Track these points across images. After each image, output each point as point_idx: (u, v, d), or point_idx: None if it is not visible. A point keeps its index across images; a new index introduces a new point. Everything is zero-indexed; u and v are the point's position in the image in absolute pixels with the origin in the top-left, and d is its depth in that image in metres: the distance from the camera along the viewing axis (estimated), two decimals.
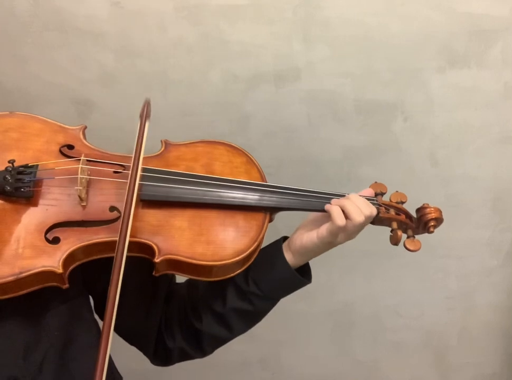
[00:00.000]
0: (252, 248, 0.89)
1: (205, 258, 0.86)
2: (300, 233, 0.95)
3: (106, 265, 0.81)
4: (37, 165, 0.85)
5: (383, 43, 1.36)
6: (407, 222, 0.97)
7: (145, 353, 1.06)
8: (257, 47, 1.36)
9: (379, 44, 1.36)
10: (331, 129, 1.48)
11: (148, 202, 0.88)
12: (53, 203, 0.84)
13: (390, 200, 0.98)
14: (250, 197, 0.92)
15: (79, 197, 0.84)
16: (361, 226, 0.90)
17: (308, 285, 0.97)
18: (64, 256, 0.80)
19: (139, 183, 0.84)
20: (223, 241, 0.88)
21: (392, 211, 0.96)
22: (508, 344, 1.89)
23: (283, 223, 1.06)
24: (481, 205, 1.62)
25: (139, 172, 0.83)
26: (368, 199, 0.94)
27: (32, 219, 0.82)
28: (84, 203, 0.85)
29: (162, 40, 1.34)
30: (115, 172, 0.89)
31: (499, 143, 1.51)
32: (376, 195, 0.98)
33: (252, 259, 0.92)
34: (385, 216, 0.95)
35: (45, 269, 0.79)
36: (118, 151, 0.94)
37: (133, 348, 1.06)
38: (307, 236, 0.93)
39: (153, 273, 0.87)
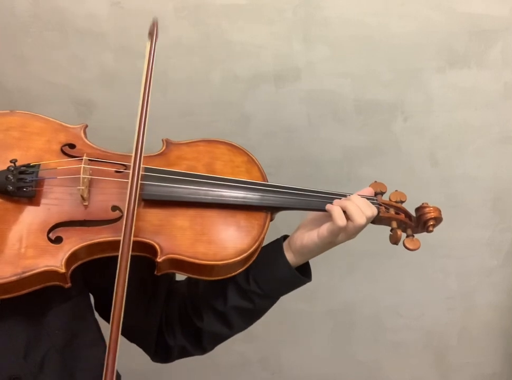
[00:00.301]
0: (254, 247, 0.89)
1: (206, 257, 0.86)
2: (300, 233, 0.95)
3: (107, 262, 0.82)
4: (39, 164, 0.85)
5: (383, 43, 1.36)
6: (407, 222, 0.97)
7: (145, 351, 1.06)
8: (257, 47, 1.36)
9: (379, 44, 1.37)
10: (331, 129, 1.48)
11: (149, 201, 0.88)
12: (55, 203, 0.84)
13: (390, 200, 0.98)
14: (252, 197, 0.92)
15: (82, 196, 0.84)
16: (362, 227, 0.91)
17: (308, 285, 0.98)
18: (67, 255, 0.80)
19: (141, 183, 0.84)
20: (225, 241, 0.88)
21: (392, 211, 0.97)
22: (508, 344, 1.89)
23: (282, 222, 1.06)
24: (481, 205, 1.62)
25: (141, 170, 0.82)
26: (368, 199, 0.95)
27: (34, 218, 0.82)
28: (86, 203, 0.85)
29: (162, 40, 1.34)
30: (116, 171, 0.89)
31: (499, 143, 1.51)
32: (376, 194, 0.98)
33: (253, 259, 0.92)
34: (385, 215, 0.95)
35: (47, 269, 0.79)
36: (118, 151, 0.94)
37: (133, 348, 1.06)
38: (308, 236, 0.93)
39: (155, 272, 0.87)
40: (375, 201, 0.96)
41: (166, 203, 0.88)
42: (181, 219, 0.88)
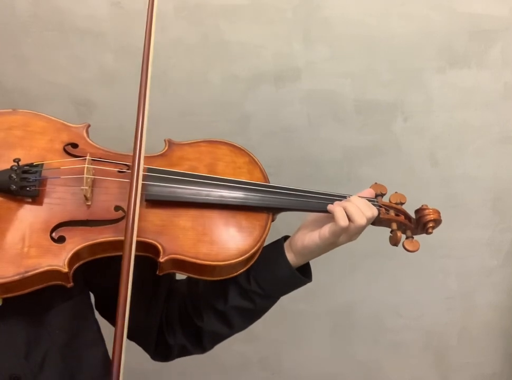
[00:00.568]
0: (255, 248, 0.89)
1: (208, 258, 0.86)
2: (301, 233, 0.95)
3: (109, 261, 0.82)
4: (42, 164, 0.85)
5: (383, 43, 1.36)
6: (406, 223, 0.97)
7: (145, 350, 1.07)
8: (257, 47, 1.36)
9: (379, 44, 1.37)
10: (331, 129, 1.48)
11: (151, 202, 0.87)
12: (58, 203, 0.84)
13: (390, 201, 0.99)
14: (253, 198, 0.92)
15: (85, 196, 0.84)
16: (363, 228, 0.91)
17: (309, 286, 0.98)
18: (70, 255, 0.80)
19: (143, 184, 0.84)
20: (226, 242, 0.88)
21: (392, 212, 0.97)
22: (508, 344, 1.89)
23: (283, 222, 1.06)
24: (481, 205, 1.62)
25: (141, 168, 0.82)
26: (369, 200, 0.95)
27: (37, 218, 0.82)
28: (89, 203, 0.85)
29: (162, 40, 1.34)
30: (119, 171, 0.89)
31: (499, 143, 1.52)
32: (376, 196, 0.99)
33: (255, 259, 0.92)
34: (385, 217, 0.95)
35: (50, 268, 0.79)
36: (120, 151, 0.94)
37: (133, 348, 1.05)
38: (309, 237, 0.93)
39: (157, 272, 0.87)
40: (375, 203, 0.96)
41: (168, 203, 0.88)
42: (184, 219, 0.88)
